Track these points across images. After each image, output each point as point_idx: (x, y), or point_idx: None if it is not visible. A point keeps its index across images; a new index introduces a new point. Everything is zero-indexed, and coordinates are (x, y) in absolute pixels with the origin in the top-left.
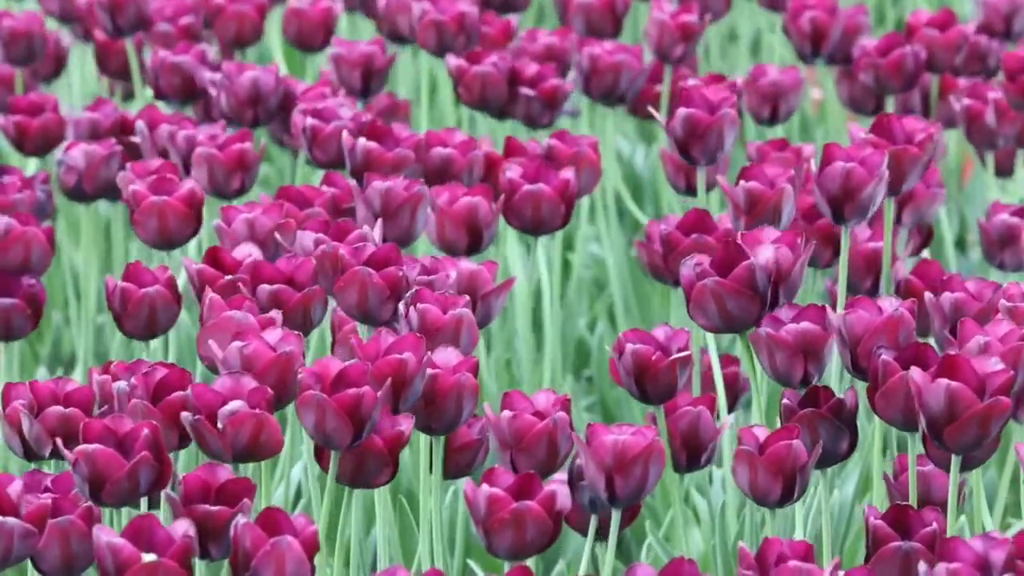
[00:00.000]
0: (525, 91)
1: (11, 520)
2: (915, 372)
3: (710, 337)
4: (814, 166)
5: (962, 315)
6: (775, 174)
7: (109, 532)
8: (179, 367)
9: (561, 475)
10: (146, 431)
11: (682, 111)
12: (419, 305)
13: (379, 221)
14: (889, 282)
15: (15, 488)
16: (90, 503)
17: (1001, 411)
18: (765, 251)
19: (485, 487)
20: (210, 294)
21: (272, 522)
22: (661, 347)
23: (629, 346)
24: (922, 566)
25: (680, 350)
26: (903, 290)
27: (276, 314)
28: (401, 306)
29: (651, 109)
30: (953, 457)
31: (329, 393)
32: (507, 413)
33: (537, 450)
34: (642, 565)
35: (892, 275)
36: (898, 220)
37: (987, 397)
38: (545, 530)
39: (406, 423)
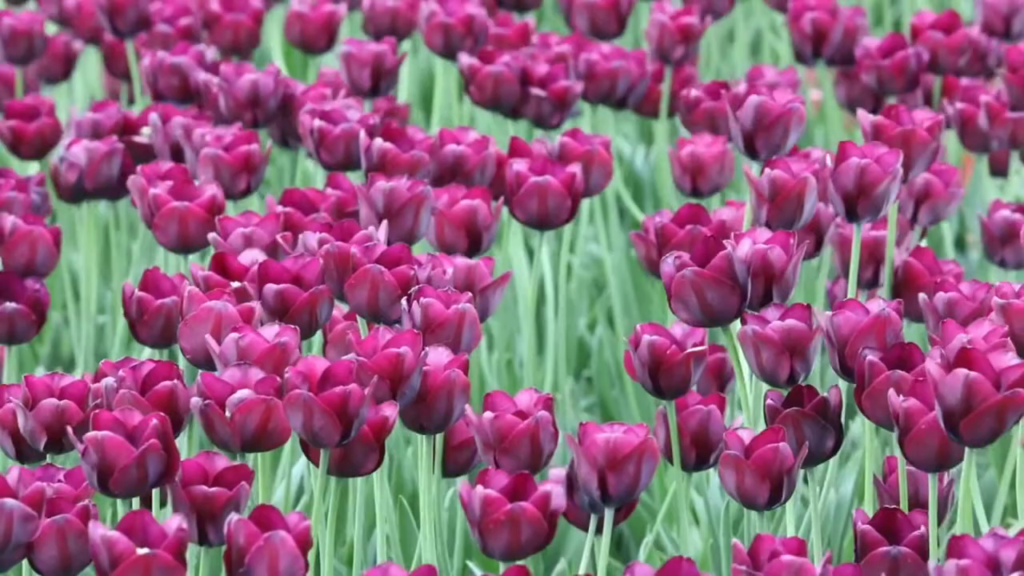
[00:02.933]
0: (536, 91)
1: (10, 501)
2: (931, 365)
3: None
4: (829, 162)
5: (955, 315)
6: (799, 167)
7: (103, 527)
8: (166, 361)
9: (559, 473)
10: (154, 421)
11: (753, 98)
12: (422, 300)
13: (385, 222)
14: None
15: (12, 476)
16: (86, 502)
17: (1018, 404)
18: (744, 244)
19: (480, 488)
20: (188, 287)
21: (265, 519)
22: (676, 342)
23: (646, 338)
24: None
25: (696, 346)
26: (901, 274)
27: (256, 304)
28: (403, 302)
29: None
30: (967, 450)
31: (316, 392)
32: (488, 414)
33: (520, 450)
34: (640, 564)
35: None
36: (914, 218)
37: (1003, 390)
38: (540, 531)
39: (390, 409)
